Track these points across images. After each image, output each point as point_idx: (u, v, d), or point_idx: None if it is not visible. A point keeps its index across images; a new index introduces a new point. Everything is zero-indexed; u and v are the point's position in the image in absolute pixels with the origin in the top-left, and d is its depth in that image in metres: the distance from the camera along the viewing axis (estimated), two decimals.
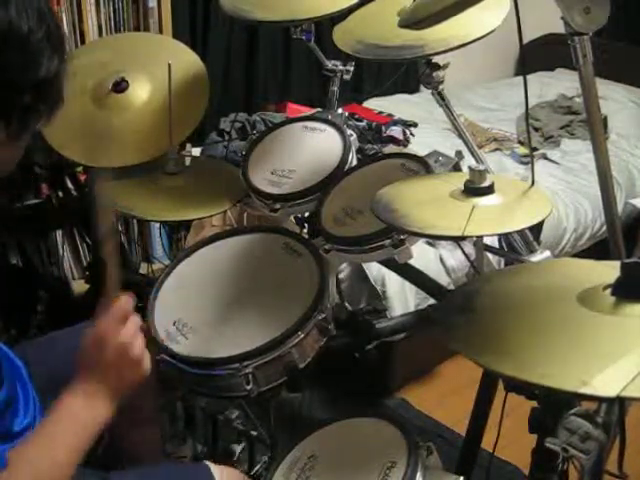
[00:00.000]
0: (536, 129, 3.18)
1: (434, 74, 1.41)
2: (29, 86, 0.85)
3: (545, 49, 3.64)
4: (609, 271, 0.89)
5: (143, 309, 1.30)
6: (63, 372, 1.23)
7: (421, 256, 2.06)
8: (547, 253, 1.42)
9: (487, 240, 1.44)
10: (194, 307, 1.29)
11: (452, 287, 2.19)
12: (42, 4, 0.86)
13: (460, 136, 1.50)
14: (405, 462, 1.10)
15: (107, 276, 1.05)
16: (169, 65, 1.55)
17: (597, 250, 2.74)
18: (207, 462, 1.18)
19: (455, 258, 2.23)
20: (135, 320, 1.03)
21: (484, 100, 3.63)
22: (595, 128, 1.12)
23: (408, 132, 2.90)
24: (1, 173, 0.92)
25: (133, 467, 1.27)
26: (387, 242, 1.29)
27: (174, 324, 1.26)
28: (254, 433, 1.51)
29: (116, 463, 1.27)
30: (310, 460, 1.19)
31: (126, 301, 1.03)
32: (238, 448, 1.52)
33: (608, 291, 0.86)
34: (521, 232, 1.40)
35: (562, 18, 1.02)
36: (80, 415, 0.96)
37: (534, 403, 1.13)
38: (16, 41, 0.83)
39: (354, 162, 1.53)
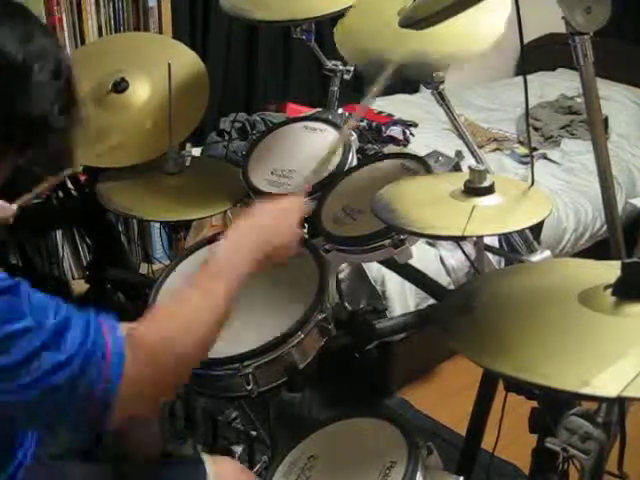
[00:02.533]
0: (536, 129, 3.18)
1: (434, 74, 1.41)
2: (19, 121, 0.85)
3: (546, 49, 3.64)
4: (609, 271, 0.89)
5: (143, 309, 1.29)
6: None
7: (421, 256, 2.06)
8: (547, 253, 1.41)
9: (487, 240, 1.43)
10: None
11: (452, 287, 2.19)
12: (58, 54, 0.89)
13: (460, 136, 1.50)
14: (405, 462, 1.10)
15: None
16: (169, 65, 1.55)
17: (597, 250, 2.73)
18: (203, 456, 1.17)
19: (455, 258, 2.23)
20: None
21: (484, 100, 3.63)
22: (596, 128, 1.12)
23: (408, 132, 2.90)
24: None
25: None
26: (387, 242, 1.29)
27: None
28: (254, 433, 1.51)
29: (116, 463, 1.27)
30: (310, 460, 1.19)
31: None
32: (239, 449, 1.52)
33: (608, 291, 0.86)
34: (521, 232, 1.40)
35: (563, 18, 1.02)
36: (237, 252, 1.01)
37: (534, 403, 1.13)
38: (15, 72, 0.83)
39: (354, 162, 1.53)
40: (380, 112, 3.05)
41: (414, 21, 1.08)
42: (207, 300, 0.94)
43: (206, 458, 1.13)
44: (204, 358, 0.97)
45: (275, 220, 1.08)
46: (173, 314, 0.92)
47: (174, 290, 0.95)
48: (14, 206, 0.96)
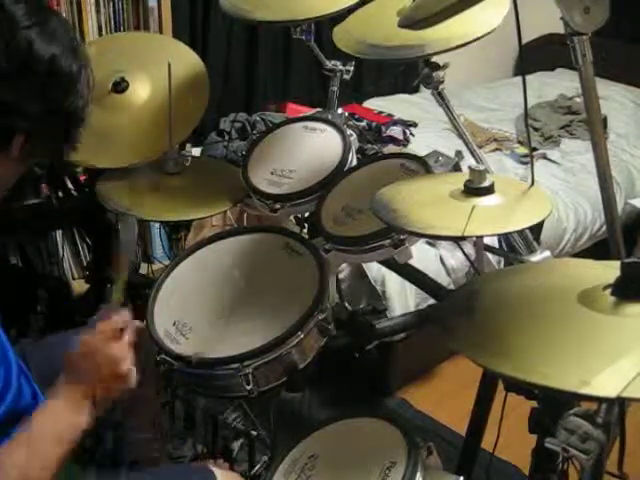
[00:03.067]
0: (536, 129, 3.18)
1: (434, 74, 1.41)
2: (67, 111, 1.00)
3: (545, 49, 3.64)
4: (609, 271, 0.89)
5: (143, 309, 1.30)
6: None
7: (421, 256, 2.06)
8: (547, 253, 1.41)
9: (487, 240, 1.44)
10: (194, 307, 1.29)
11: (452, 287, 2.19)
12: (89, 57, 1.05)
13: (460, 136, 1.50)
14: (405, 462, 1.10)
15: (114, 287, 1.15)
16: (169, 65, 1.55)
17: (597, 250, 2.74)
18: (212, 467, 1.18)
19: (455, 258, 2.23)
20: (129, 336, 1.07)
21: (484, 100, 3.63)
22: (595, 128, 1.12)
23: (408, 132, 2.90)
24: None
25: (134, 468, 1.27)
26: (387, 242, 1.29)
27: (174, 324, 1.26)
28: (254, 433, 1.51)
29: (116, 464, 1.27)
30: (310, 460, 1.19)
31: (124, 316, 1.08)
32: (237, 446, 1.52)
33: (608, 291, 0.87)
34: (521, 232, 1.40)
35: (562, 18, 1.02)
36: (62, 419, 0.99)
37: (534, 403, 1.13)
38: (69, 80, 1.00)
39: (354, 162, 1.53)
40: (380, 112, 3.05)
41: (414, 21, 1.08)
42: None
43: (216, 471, 1.15)
44: None
45: (87, 362, 1.04)
46: None
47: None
48: None
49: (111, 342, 1.05)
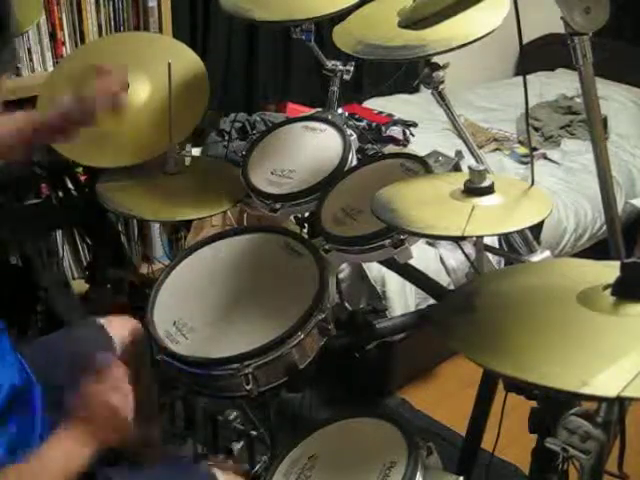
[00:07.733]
0: (536, 129, 3.18)
1: (434, 74, 1.41)
2: None
3: (545, 49, 3.64)
4: (609, 271, 0.89)
5: (143, 309, 1.30)
6: (59, 374, 1.23)
7: (421, 256, 2.06)
8: (547, 253, 1.41)
9: (487, 240, 1.44)
10: (194, 307, 1.29)
11: (452, 287, 2.19)
12: None
13: (460, 136, 1.50)
14: (405, 462, 1.10)
15: None
16: (169, 65, 1.55)
17: (597, 250, 2.73)
18: (216, 471, 1.18)
19: (455, 258, 2.23)
20: (124, 387, 1.08)
21: (484, 100, 3.63)
22: (595, 128, 1.12)
23: (408, 132, 2.90)
24: None
25: (134, 467, 1.27)
26: (387, 242, 1.29)
27: (174, 324, 1.26)
28: (254, 433, 1.51)
29: (116, 463, 1.27)
30: (310, 460, 1.19)
31: (117, 371, 1.09)
32: (237, 447, 1.52)
33: (608, 291, 0.87)
34: (521, 232, 1.40)
35: (562, 18, 1.02)
36: (69, 457, 1.02)
37: (534, 403, 1.13)
38: None
39: (354, 162, 1.53)
40: (380, 112, 3.05)
41: (414, 21, 1.08)
42: None
43: (219, 476, 1.15)
44: None
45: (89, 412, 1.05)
46: None
47: None
48: None
49: (111, 392, 1.06)
